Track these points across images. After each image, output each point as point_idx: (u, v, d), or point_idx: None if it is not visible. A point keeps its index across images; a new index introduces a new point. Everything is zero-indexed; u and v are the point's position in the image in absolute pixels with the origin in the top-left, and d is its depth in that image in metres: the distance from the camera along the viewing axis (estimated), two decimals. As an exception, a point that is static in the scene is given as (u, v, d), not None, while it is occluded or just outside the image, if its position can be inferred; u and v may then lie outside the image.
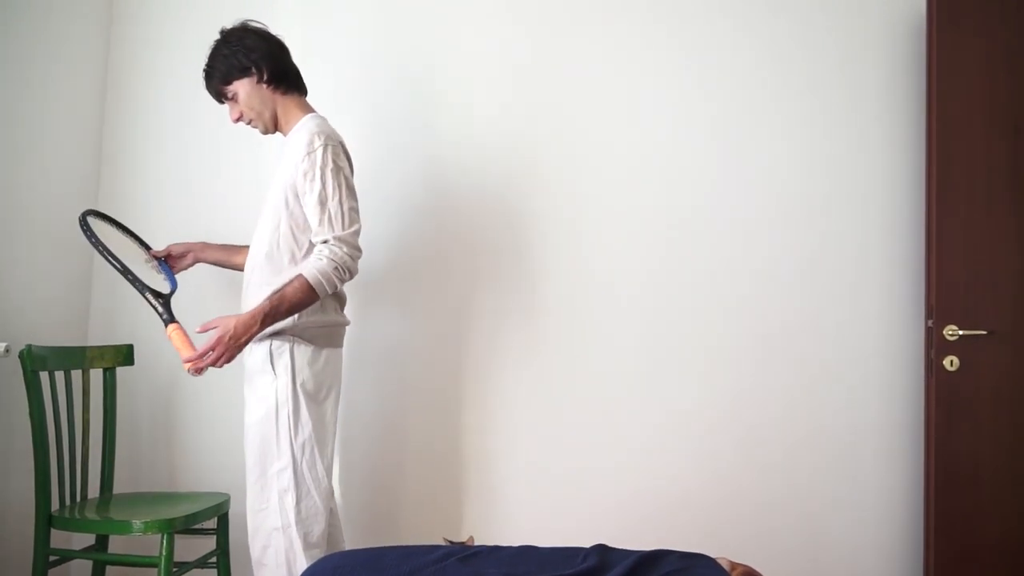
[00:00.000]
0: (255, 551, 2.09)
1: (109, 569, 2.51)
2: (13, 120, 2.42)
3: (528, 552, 1.85)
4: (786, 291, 2.75)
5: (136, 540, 2.48)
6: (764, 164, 2.78)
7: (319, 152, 1.99)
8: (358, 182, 2.21)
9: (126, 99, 2.82)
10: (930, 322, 2.58)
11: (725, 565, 1.87)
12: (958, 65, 2.60)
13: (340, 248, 1.99)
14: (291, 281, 1.98)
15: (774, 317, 2.75)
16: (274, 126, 2.15)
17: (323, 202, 1.98)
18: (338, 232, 2.00)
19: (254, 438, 2.06)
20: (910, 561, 2.68)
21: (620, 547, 1.93)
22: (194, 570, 2.33)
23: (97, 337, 2.74)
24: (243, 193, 2.77)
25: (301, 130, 2.07)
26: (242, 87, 2.08)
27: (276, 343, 2.04)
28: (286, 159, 2.07)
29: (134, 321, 2.73)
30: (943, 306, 2.56)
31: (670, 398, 2.74)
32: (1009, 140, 2.60)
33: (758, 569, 2.13)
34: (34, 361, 2.22)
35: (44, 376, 2.27)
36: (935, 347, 2.56)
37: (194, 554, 2.40)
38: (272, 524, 2.03)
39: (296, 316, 2.02)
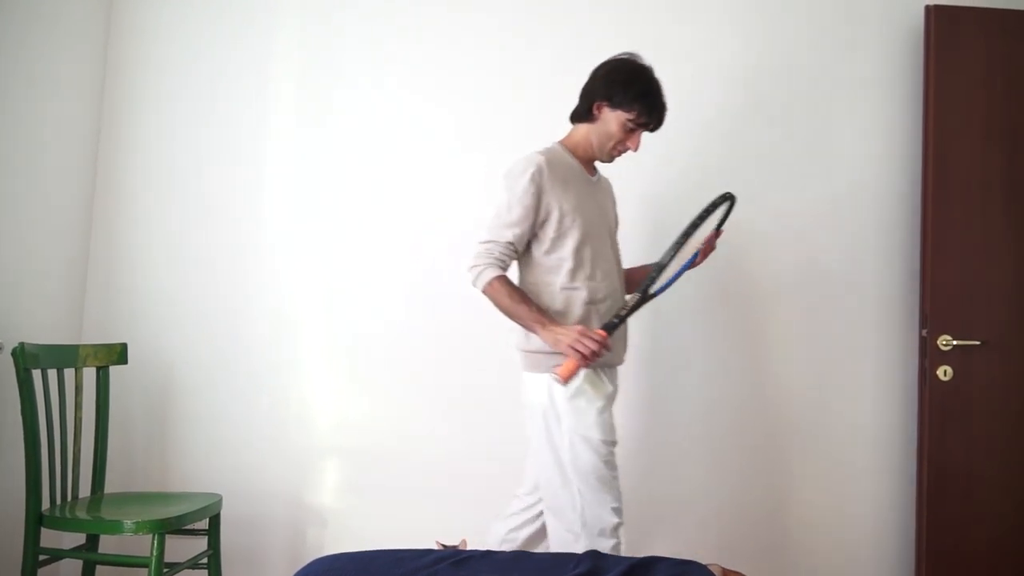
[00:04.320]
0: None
1: (99, 569, 2.50)
2: (8, 118, 2.41)
3: (521, 557, 1.84)
4: (780, 299, 2.75)
5: (127, 540, 2.47)
6: (760, 171, 2.78)
7: None
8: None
9: (124, 98, 2.80)
10: (924, 332, 2.59)
11: (717, 572, 1.87)
12: (954, 74, 2.60)
13: None
14: None
15: (769, 325, 2.75)
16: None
17: None
18: None
19: None
20: (902, 567, 2.68)
21: (612, 553, 1.93)
22: (185, 570, 2.32)
23: (91, 335, 2.73)
24: (244, 192, 2.77)
25: (606, 182, 2.38)
26: None
27: None
28: (610, 199, 2.37)
29: (128, 320, 2.72)
30: (937, 316, 2.56)
31: (662, 404, 2.74)
32: (1005, 150, 2.61)
33: (750, 576, 2.13)
34: (27, 359, 2.21)
35: (37, 374, 2.26)
36: (929, 357, 2.56)
37: (185, 555, 2.39)
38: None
39: None
